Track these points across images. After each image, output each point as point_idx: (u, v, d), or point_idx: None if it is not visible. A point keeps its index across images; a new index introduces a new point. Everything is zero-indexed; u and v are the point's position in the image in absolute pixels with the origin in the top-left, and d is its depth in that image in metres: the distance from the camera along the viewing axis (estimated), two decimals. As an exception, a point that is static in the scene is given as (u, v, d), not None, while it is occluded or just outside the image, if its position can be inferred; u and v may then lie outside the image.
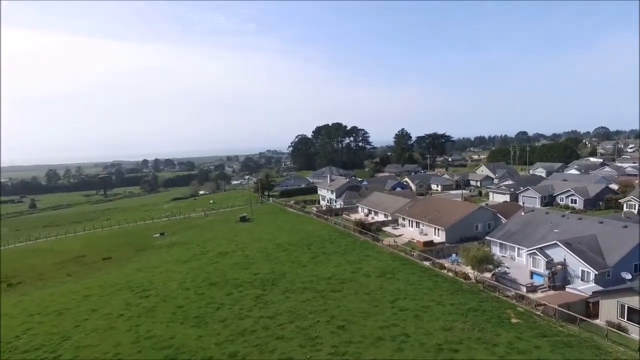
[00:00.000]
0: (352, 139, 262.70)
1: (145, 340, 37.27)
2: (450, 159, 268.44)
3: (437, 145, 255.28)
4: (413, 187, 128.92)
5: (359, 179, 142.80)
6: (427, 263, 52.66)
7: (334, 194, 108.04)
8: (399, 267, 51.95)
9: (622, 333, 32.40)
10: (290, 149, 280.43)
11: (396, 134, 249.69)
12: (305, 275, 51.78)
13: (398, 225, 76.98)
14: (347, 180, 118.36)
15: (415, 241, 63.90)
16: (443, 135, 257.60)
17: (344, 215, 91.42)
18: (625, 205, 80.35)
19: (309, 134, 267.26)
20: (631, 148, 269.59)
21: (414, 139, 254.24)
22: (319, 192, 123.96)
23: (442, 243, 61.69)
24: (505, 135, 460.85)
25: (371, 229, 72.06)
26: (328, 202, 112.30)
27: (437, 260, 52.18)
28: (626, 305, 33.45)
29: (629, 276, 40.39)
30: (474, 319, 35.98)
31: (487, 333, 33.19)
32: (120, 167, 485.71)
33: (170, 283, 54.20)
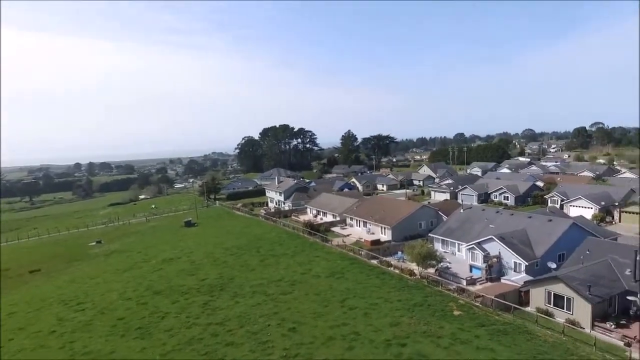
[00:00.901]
0: (299, 140, 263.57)
1: (82, 356, 34.70)
2: (394, 160, 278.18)
3: (382, 146, 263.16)
4: (360, 188, 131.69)
5: (307, 180, 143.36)
6: (374, 261, 54.06)
7: (282, 195, 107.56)
8: (348, 266, 52.85)
9: (549, 318, 35.46)
10: (237, 150, 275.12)
11: (343, 136, 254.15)
12: (254, 278, 51.03)
13: (346, 225, 78.30)
14: (295, 181, 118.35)
15: (363, 240, 65.35)
16: (387, 137, 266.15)
17: (292, 217, 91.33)
18: (549, 201, 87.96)
19: (256, 136, 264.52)
20: (554, 148, 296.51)
21: (359, 140, 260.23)
22: (267, 194, 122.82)
23: (389, 241, 63.65)
24: (445, 137, 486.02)
25: (320, 230, 72.68)
26: (276, 204, 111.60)
27: (384, 259, 53.75)
28: (552, 292, 36.65)
29: (554, 265, 44.17)
30: (419, 313, 37.52)
31: (432, 326, 34.77)
32: (49, 171, 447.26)
33: (109, 294, 50.89)
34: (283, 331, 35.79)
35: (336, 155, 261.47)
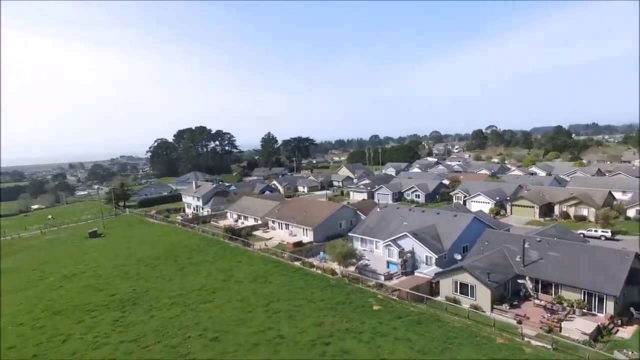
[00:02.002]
0: (217, 142, 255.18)
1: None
2: (314, 161, 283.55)
3: (302, 148, 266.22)
4: (281, 190, 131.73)
5: (227, 184, 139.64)
6: (297, 263, 54.43)
7: (201, 200, 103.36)
8: (271, 270, 52.53)
9: (457, 305, 38.84)
10: (149, 154, 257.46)
11: (263, 138, 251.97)
12: (172, 289, 48.25)
13: (268, 228, 77.73)
14: (214, 185, 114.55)
15: (285, 243, 65.44)
16: (307, 139, 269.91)
17: (212, 222, 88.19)
18: (454, 198, 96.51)
19: (170, 138, 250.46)
20: (457, 149, 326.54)
21: (280, 142, 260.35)
22: (184, 199, 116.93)
23: (311, 242, 64.56)
24: (361, 138, 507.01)
25: (241, 234, 71.24)
26: (194, 210, 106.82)
27: (306, 260, 54.38)
28: (458, 282, 40.21)
29: (459, 257, 48.47)
30: (342, 311, 38.63)
31: (354, 323, 36.03)
32: None
33: (-5, 320, 44.26)
34: (205, 342, 34.37)
35: (256, 157, 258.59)
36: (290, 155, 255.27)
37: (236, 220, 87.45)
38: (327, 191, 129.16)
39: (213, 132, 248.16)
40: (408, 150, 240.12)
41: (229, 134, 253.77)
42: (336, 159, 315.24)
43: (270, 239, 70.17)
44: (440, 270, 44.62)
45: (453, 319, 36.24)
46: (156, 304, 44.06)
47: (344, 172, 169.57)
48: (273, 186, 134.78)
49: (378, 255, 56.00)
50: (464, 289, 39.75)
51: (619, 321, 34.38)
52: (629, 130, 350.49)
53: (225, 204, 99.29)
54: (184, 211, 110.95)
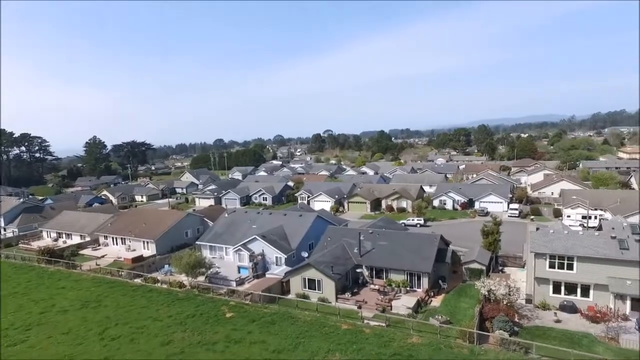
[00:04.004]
0: (24, 149, 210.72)
1: None
2: (153, 168, 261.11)
3: (137, 154, 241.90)
4: (114, 201, 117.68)
5: (40, 198, 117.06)
6: (138, 280, 49.21)
7: (2, 219, 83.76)
8: (106, 291, 46.17)
9: (306, 300, 41.03)
10: None
11: (87, 142, 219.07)
12: (-38, 336, 37.66)
13: (100, 245, 68.10)
14: (22, 200, 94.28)
15: (122, 259, 58.45)
16: (143, 144, 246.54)
17: (21, 245, 72.37)
18: (299, 198, 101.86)
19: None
20: (299, 152, 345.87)
21: (110, 147, 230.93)
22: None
23: (153, 256, 59.14)
24: (205, 143, 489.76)
25: (64, 256, 60.58)
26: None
27: (149, 275, 49.65)
28: (306, 278, 42.57)
29: (306, 254, 51.32)
30: (192, 324, 36.55)
31: (206, 334, 34.51)
32: None
33: None
34: (17, 393, 27.95)
35: (79, 165, 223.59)
36: (124, 162, 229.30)
37: (56, 240, 73.84)
38: (170, 199, 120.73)
39: (16, 135, 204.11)
40: (253, 154, 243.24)
41: (39, 137, 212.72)
42: (178, 164, 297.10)
43: (102, 257, 61.55)
44: (290, 269, 46.38)
45: (304, 314, 38.14)
46: (-63, 359, 33.78)
47: (188, 178, 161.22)
48: (103, 197, 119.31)
49: (229, 261, 54.91)
50: (311, 284, 42.25)
51: (432, 293, 41.78)
52: (432, 134, 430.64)
53: (39, 221, 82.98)
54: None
